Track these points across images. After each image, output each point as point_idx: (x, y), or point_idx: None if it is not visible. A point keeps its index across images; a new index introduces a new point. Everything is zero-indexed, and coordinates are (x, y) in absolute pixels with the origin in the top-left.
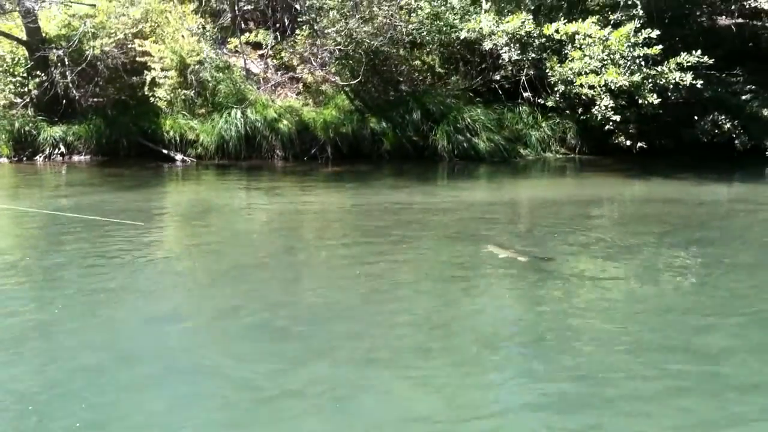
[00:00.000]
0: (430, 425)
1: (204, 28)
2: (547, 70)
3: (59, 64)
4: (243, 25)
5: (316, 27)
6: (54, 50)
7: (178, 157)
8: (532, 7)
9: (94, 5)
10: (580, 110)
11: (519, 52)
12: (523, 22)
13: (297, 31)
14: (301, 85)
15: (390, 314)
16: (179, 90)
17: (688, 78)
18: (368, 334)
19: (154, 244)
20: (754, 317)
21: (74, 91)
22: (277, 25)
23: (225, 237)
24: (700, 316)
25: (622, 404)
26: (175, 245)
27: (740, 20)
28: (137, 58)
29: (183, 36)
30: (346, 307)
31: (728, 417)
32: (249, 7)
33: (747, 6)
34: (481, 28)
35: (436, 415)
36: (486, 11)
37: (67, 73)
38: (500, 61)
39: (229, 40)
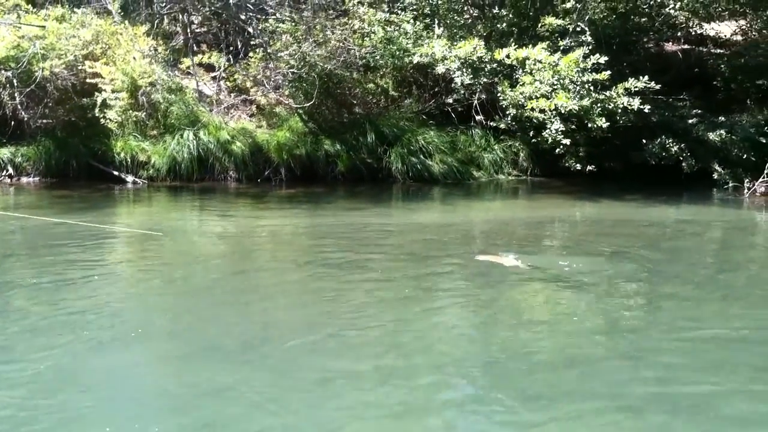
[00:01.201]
0: None
1: (156, 50)
2: (499, 94)
3: (8, 86)
4: (195, 48)
5: (269, 50)
6: (2, 71)
7: (129, 178)
8: (484, 33)
9: (44, 27)
10: (531, 133)
11: (471, 76)
12: (475, 48)
13: (250, 54)
14: (254, 107)
15: (343, 336)
16: (130, 111)
17: (635, 103)
18: (320, 358)
19: (102, 267)
20: (702, 336)
21: (23, 113)
22: (231, 48)
23: (176, 259)
24: (649, 335)
25: (574, 425)
26: (124, 268)
27: (686, 46)
28: (88, 80)
29: (134, 58)
30: (299, 330)
31: None
32: (202, 29)
33: (693, 33)
34: (433, 53)
35: None
36: (438, 36)
37: (16, 94)
38: (453, 84)
39: (181, 60)
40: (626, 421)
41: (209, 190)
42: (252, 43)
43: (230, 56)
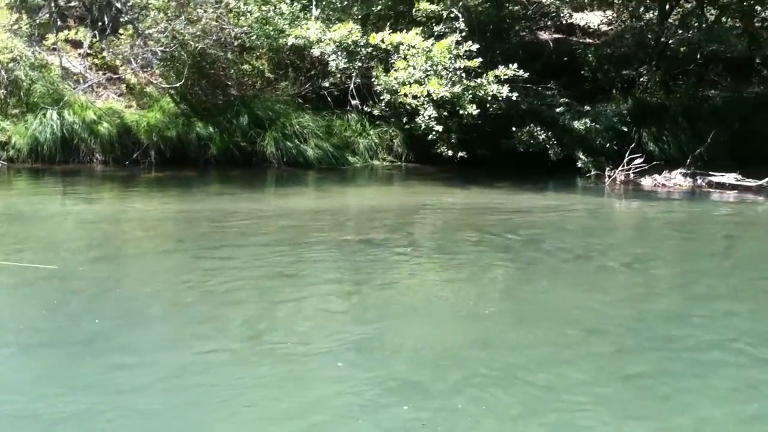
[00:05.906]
0: None
1: (18, 24)
2: (374, 79)
3: None
4: (61, 22)
5: (138, 27)
6: None
7: None
8: (360, 16)
9: None
10: (405, 119)
11: (346, 60)
12: (350, 31)
13: (120, 31)
14: (123, 87)
15: (200, 324)
16: None
17: (504, 90)
18: (174, 346)
19: None
20: (560, 321)
21: None
22: (100, 24)
23: (34, 245)
24: (510, 323)
25: (442, 410)
26: None
27: (558, 35)
28: None
29: None
30: (155, 317)
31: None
32: (68, 3)
33: (564, 22)
34: (308, 35)
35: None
36: (316, 18)
37: None
38: (328, 68)
39: (46, 37)
40: (482, 404)
41: (74, 172)
42: (121, 19)
43: (96, 32)
